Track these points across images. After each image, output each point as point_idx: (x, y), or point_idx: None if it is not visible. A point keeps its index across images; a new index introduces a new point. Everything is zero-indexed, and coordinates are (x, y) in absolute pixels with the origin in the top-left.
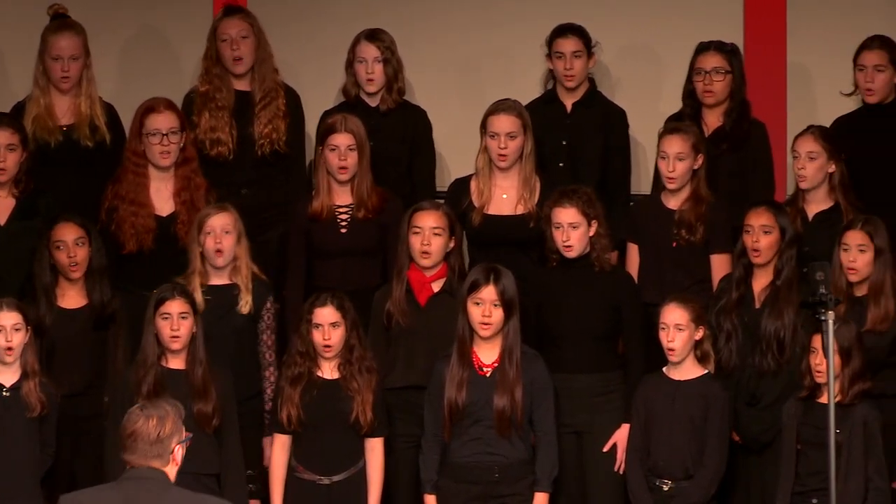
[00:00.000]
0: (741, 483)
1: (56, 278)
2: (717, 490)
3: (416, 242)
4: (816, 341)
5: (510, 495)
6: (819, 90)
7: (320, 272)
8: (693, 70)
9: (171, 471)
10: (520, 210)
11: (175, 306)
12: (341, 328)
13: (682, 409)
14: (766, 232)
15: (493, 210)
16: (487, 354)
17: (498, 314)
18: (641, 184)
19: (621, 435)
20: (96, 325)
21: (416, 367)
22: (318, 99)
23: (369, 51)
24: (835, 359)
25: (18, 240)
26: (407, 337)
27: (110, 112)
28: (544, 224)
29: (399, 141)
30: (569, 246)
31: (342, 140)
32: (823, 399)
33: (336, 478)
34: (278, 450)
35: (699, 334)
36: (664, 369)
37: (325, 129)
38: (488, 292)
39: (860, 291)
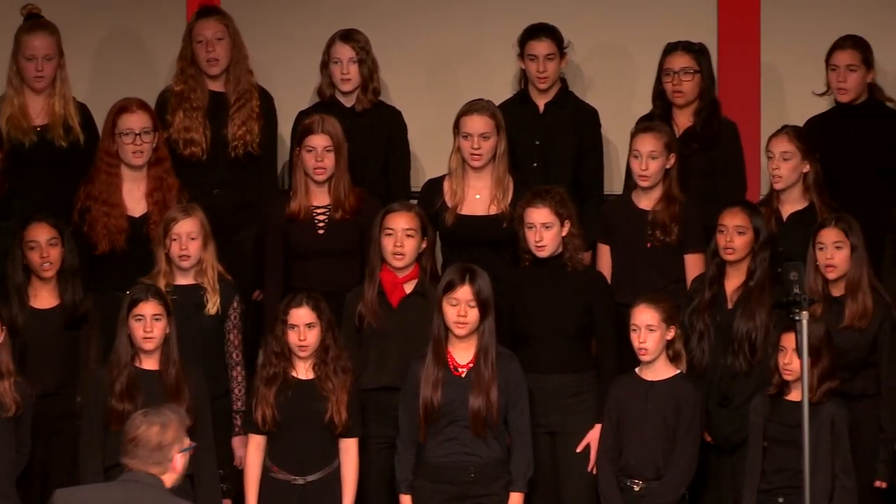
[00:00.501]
0: (713, 483)
1: (29, 278)
2: (690, 490)
3: (388, 244)
4: (785, 340)
5: (486, 495)
6: (792, 90)
7: (298, 273)
8: (662, 71)
9: (170, 478)
10: (493, 210)
11: (148, 308)
12: (317, 329)
13: (655, 409)
14: (740, 233)
15: (466, 210)
16: (462, 355)
17: (473, 314)
18: (614, 184)
19: (594, 435)
20: (68, 326)
21: (388, 369)
22: (293, 99)
23: (344, 51)
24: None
25: None
26: (379, 338)
27: (84, 112)
28: (517, 224)
29: (374, 141)
30: (541, 246)
31: (319, 141)
32: (791, 396)
33: (310, 478)
34: (253, 450)
35: (670, 334)
36: (636, 370)
37: (303, 130)
38: (464, 292)
39: (837, 291)
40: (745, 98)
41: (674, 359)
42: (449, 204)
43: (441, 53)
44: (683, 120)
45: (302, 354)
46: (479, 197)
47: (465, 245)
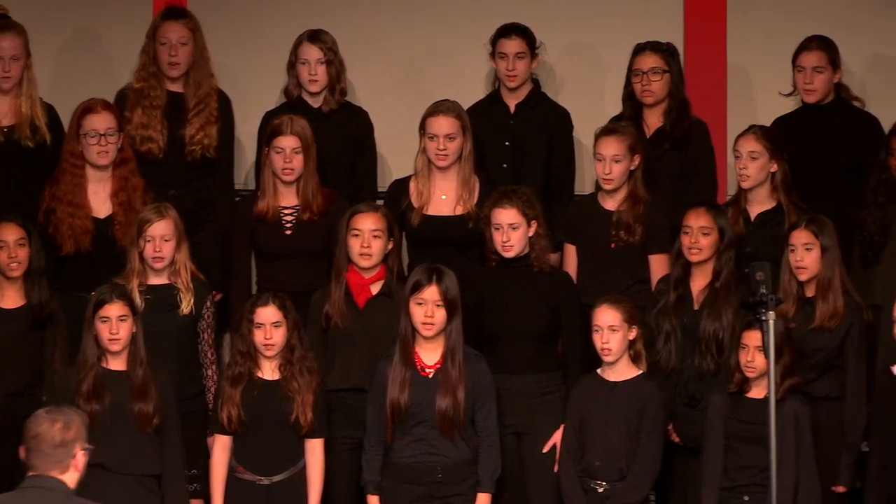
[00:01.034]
0: (680, 484)
1: None
2: (657, 491)
3: (355, 245)
4: (746, 338)
5: (453, 496)
6: (759, 90)
7: (265, 273)
8: (631, 71)
9: (72, 478)
10: (459, 210)
11: (114, 309)
12: (282, 328)
13: (617, 409)
14: (705, 233)
15: (432, 211)
16: (430, 355)
17: (440, 314)
18: (586, 184)
19: (560, 436)
20: (34, 326)
21: (355, 369)
22: (260, 100)
23: (311, 52)
24: (765, 356)
25: None
26: (345, 339)
27: (51, 113)
28: (483, 225)
29: (341, 142)
30: (508, 247)
31: (288, 142)
32: (752, 394)
33: (276, 478)
34: (219, 450)
35: (632, 334)
36: (598, 370)
37: (272, 131)
38: (431, 292)
39: (810, 291)
40: (712, 98)
41: (635, 359)
42: (415, 204)
43: (409, 54)
44: (653, 120)
45: (268, 354)
46: (444, 197)
47: (431, 245)
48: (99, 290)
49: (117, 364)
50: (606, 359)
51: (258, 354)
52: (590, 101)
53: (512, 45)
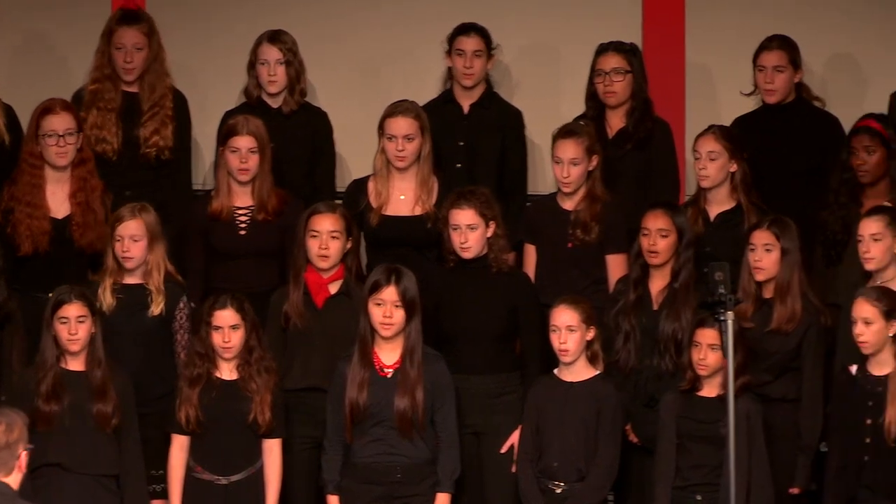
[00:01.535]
0: (637, 483)
1: None
2: (615, 490)
3: (313, 246)
4: (699, 335)
5: (412, 496)
6: (719, 90)
7: (219, 273)
8: (594, 72)
9: (16, 479)
10: (417, 211)
11: (72, 310)
12: (241, 330)
13: (575, 410)
14: (663, 235)
15: (390, 211)
16: (389, 355)
17: (399, 315)
18: (539, 184)
19: (518, 436)
20: None
21: (313, 369)
22: (220, 100)
23: (271, 53)
24: (717, 354)
25: None
26: (304, 338)
27: (9, 113)
28: (442, 225)
29: (300, 142)
30: (466, 247)
31: (244, 142)
32: (704, 392)
33: (234, 478)
34: (176, 450)
35: (590, 335)
36: (555, 371)
37: (227, 131)
38: (389, 293)
39: (768, 293)
40: (671, 98)
41: (592, 360)
42: (373, 204)
43: (368, 55)
44: (616, 120)
45: (226, 356)
46: (403, 197)
47: (389, 245)
48: (58, 291)
49: (76, 364)
50: (564, 359)
51: (216, 356)
52: (546, 101)
53: (470, 43)
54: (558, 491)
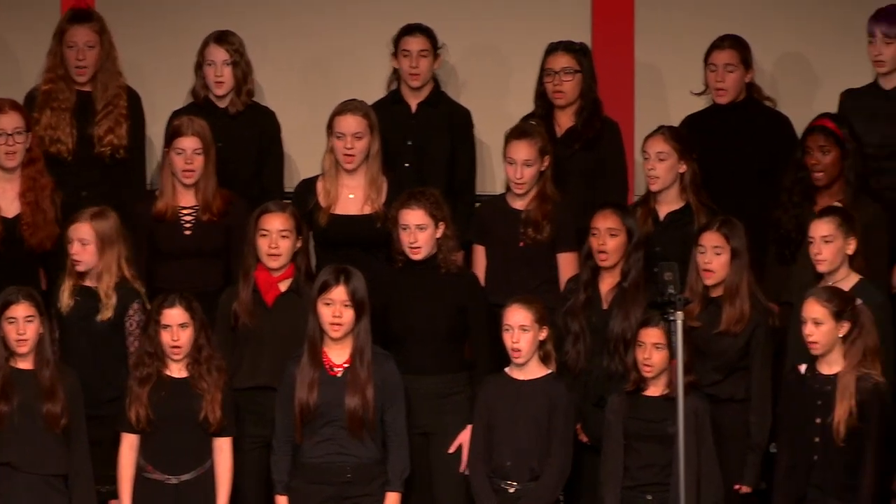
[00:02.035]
0: (589, 484)
1: None
2: (566, 491)
3: (263, 245)
4: (643, 335)
5: (362, 496)
6: (668, 90)
7: (163, 273)
8: (543, 71)
9: None
10: (366, 210)
11: (20, 310)
12: (190, 329)
13: (526, 409)
14: (612, 235)
15: (339, 210)
16: (338, 355)
17: (348, 314)
18: (487, 184)
19: (466, 436)
20: None
21: (263, 368)
22: (167, 100)
23: (218, 53)
24: (662, 353)
25: None
26: (253, 337)
27: None
28: (391, 225)
29: (248, 142)
30: (416, 248)
31: (188, 143)
32: (649, 392)
33: (184, 477)
34: (126, 450)
35: (543, 334)
36: (507, 370)
37: (172, 132)
38: (338, 293)
39: (716, 292)
40: (620, 98)
41: (545, 359)
42: (322, 204)
43: (315, 54)
44: (565, 120)
45: (175, 356)
46: (352, 197)
47: (338, 245)
48: (6, 291)
49: (25, 364)
50: (517, 359)
51: (165, 355)
52: (493, 101)
53: (416, 43)
54: (511, 490)
